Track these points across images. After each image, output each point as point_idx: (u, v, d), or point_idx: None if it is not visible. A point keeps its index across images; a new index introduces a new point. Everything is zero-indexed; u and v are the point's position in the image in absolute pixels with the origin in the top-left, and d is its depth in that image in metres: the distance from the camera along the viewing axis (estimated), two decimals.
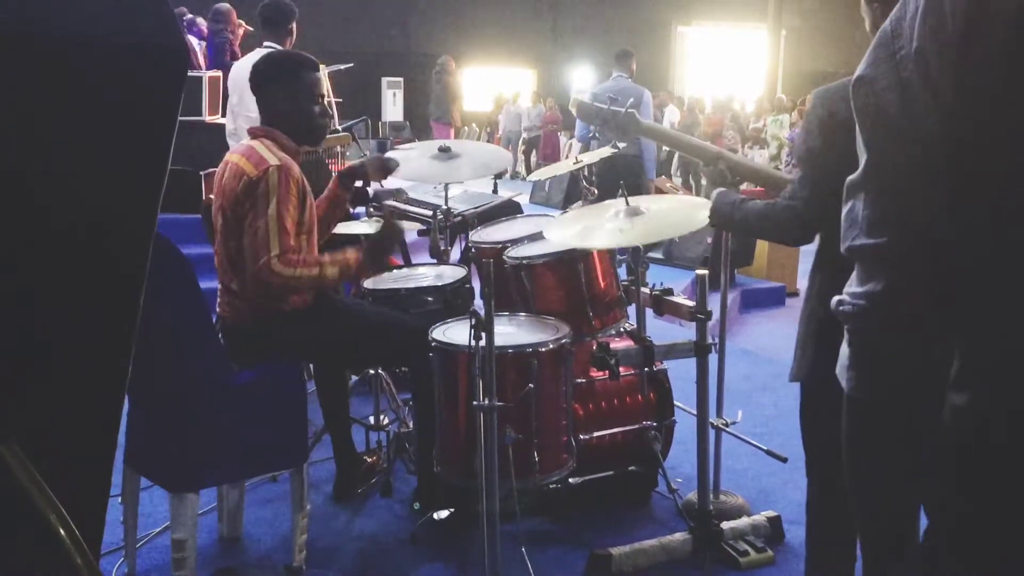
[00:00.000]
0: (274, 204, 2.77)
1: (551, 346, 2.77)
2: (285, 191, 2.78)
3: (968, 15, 1.20)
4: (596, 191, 4.22)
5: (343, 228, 3.41)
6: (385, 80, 19.81)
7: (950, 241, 1.31)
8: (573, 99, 2.99)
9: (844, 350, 1.58)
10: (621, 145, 3.75)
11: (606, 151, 4.49)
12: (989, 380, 1.29)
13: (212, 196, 3.03)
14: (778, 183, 2.62)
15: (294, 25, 5.01)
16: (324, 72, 5.85)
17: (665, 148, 11.36)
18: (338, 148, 4.04)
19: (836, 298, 1.54)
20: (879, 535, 1.67)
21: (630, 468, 3.26)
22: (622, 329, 3.24)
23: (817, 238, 2.24)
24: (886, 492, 1.62)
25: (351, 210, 3.74)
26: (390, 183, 4.33)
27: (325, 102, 3.11)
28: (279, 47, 4.81)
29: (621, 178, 7.59)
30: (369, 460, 3.52)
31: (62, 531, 0.93)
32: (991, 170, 1.24)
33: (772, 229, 2.29)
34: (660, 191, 6.71)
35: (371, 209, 4.11)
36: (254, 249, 2.77)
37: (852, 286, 1.52)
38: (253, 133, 2.98)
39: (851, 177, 1.48)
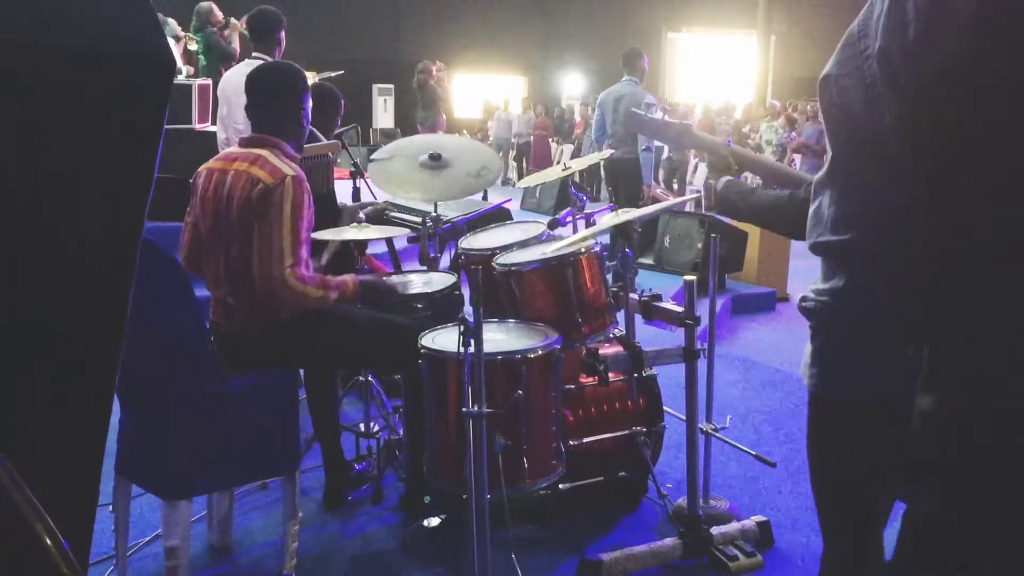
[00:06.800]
0: (290, 214, 2.79)
1: (540, 352, 2.78)
2: (300, 202, 2.81)
3: (928, 16, 1.21)
4: (587, 197, 4.25)
5: (330, 235, 3.40)
6: (376, 87, 19.84)
7: (913, 240, 1.32)
8: (630, 112, 3.01)
9: (807, 347, 1.59)
10: (668, 152, 3.78)
11: (595, 157, 4.51)
12: (957, 382, 1.29)
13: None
14: (784, 178, 2.66)
15: (283, 34, 5.01)
16: (315, 79, 5.84)
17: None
18: (329, 155, 4.05)
19: (801, 295, 1.56)
20: (841, 538, 1.66)
21: (620, 474, 3.26)
22: (611, 335, 3.24)
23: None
24: (848, 493, 1.61)
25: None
26: (378, 195, 4.34)
27: None
28: (268, 57, 4.81)
29: (620, 183, 7.61)
30: (358, 467, 3.52)
31: (48, 541, 0.93)
32: (954, 169, 1.25)
33: (784, 221, 2.35)
34: (655, 199, 6.74)
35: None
36: (267, 258, 2.78)
37: (816, 283, 1.53)
38: (253, 142, 2.97)
39: (818, 175, 1.49)
